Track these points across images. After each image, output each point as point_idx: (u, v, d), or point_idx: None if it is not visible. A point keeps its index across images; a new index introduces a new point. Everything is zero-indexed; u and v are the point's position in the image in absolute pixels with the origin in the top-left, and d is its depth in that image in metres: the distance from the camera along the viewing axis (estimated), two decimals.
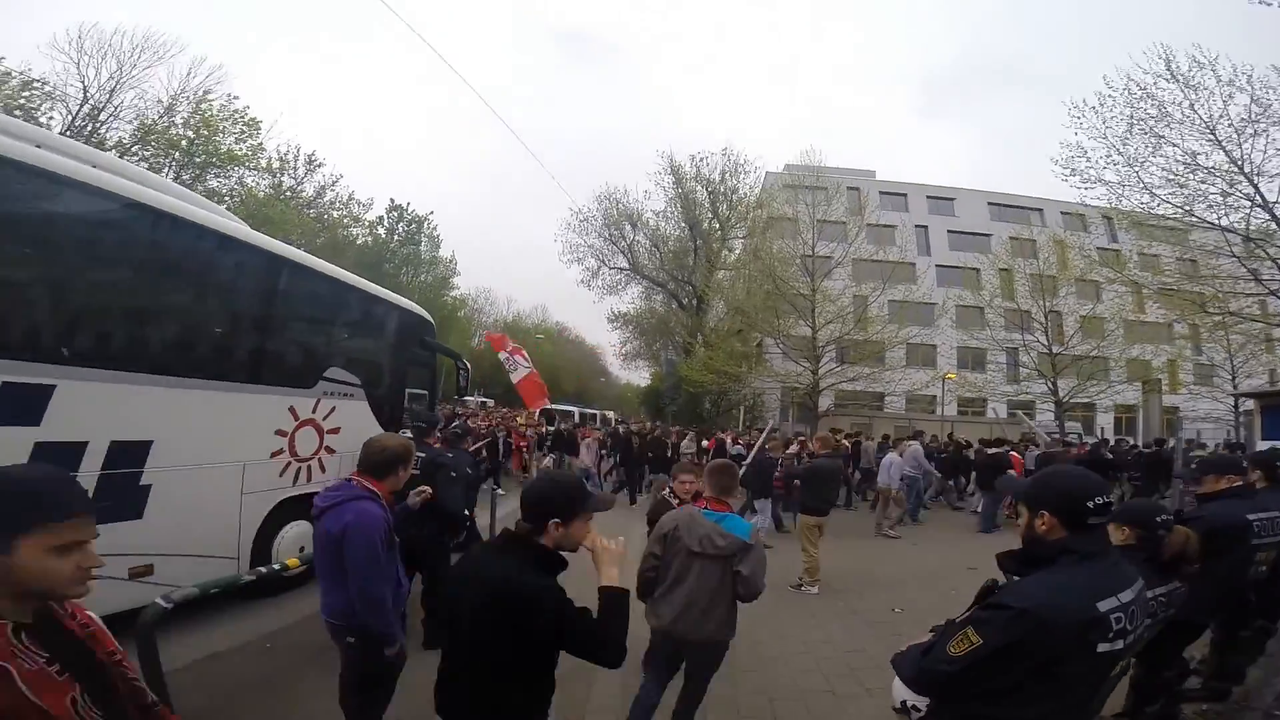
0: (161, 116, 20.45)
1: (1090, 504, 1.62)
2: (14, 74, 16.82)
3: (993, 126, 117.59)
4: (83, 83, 18.59)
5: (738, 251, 29.91)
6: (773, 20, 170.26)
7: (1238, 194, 11.71)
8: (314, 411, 5.52)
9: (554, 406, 26.66)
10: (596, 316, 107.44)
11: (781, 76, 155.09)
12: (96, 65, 18.91)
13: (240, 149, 22.14)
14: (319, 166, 27.49)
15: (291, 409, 5.30)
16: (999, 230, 31.59)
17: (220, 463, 4.71)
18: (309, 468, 5.47)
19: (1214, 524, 3.12)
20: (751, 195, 29.27)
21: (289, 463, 5.27)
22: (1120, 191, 12.82)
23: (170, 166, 20.47)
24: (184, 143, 20.65)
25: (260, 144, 22.86)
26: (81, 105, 18.50)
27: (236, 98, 21.93)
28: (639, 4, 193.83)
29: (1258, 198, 11.56)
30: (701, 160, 30.12)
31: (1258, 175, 11.50)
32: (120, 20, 25.46)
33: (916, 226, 32.68)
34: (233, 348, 5.03)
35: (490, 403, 38.10)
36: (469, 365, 9.42)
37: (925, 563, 7.96)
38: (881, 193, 33.81)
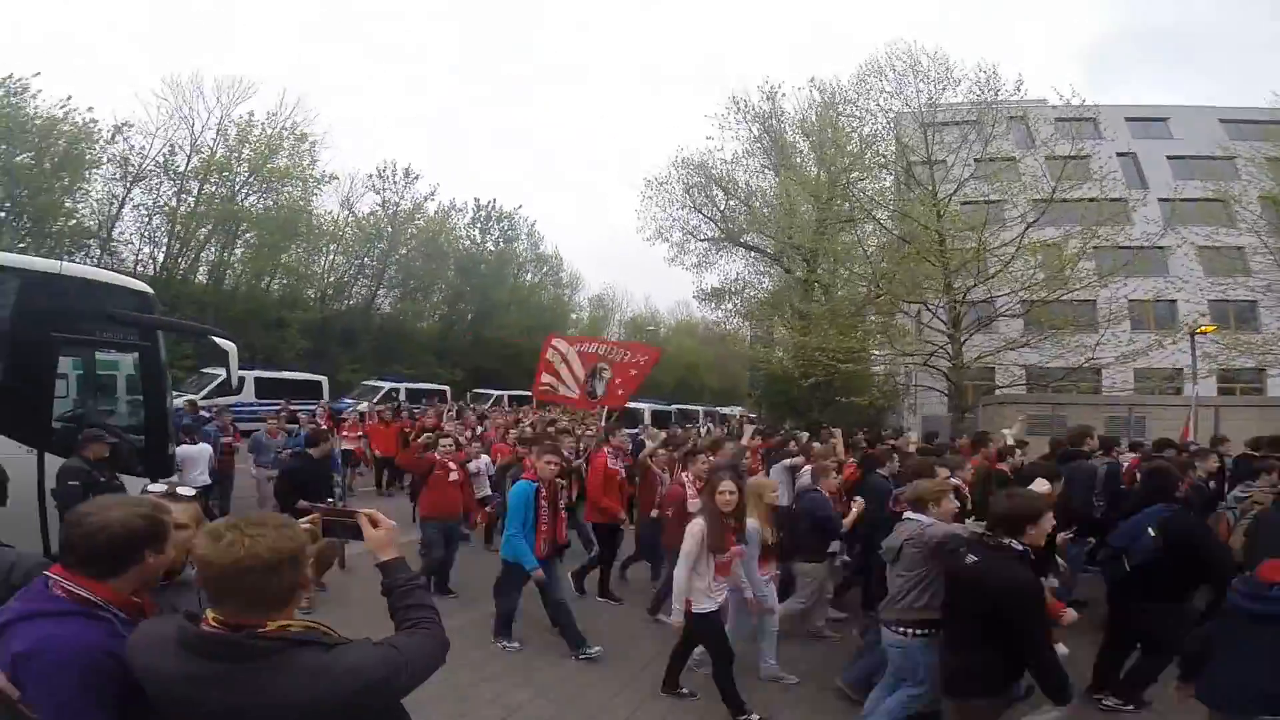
0: None
1: None
2: None
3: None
4: None
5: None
6: None
7: None
8: None
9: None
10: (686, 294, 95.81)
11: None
12: None
13: None
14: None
15: None
16: (1244, 151, 23.56)
17: None
18: None
19: None
20: (888, 139, 23.65)
21: None
22: None
23: None
24: None
25: None
26: None
27: None
28: None
29: None
30: (805, 99, 25.16)
31: None
32: None
33: (1119, 155, 25.29)
34: None
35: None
36: (233, 342, 6.07)
37: None
38: (1058, 119, 26.52)
